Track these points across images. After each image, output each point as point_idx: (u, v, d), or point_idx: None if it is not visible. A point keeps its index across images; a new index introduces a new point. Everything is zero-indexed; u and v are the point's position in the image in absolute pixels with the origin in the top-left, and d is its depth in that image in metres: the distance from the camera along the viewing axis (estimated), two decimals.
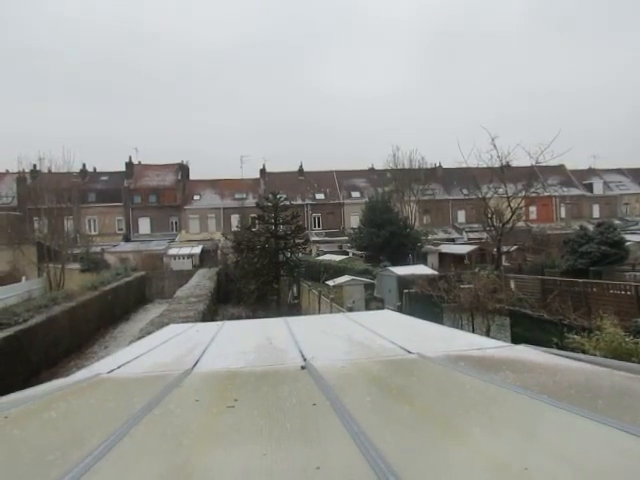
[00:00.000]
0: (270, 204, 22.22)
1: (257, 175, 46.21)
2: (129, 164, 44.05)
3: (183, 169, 45.41)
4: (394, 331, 3.26)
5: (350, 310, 12.05)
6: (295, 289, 23.56)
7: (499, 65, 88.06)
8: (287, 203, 22.99)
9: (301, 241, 22.70)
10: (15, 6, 78.80)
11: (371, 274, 21.08)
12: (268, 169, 46.19)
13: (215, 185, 44.87)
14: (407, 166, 40.00)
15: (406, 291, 15.79)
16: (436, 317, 12.22)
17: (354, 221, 39.53)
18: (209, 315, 16.51)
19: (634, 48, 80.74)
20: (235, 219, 37.56)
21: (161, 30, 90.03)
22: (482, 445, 1.29)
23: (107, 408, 1.76)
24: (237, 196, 43.41)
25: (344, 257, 29.08)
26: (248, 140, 75.93)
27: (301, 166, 47.02)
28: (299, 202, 41.91)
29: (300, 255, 24.02)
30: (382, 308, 14.20)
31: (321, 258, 29.83)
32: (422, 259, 29.30)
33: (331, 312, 13.33)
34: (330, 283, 19.18)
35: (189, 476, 1.20)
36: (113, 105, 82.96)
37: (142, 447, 1.36)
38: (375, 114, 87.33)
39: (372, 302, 18.04)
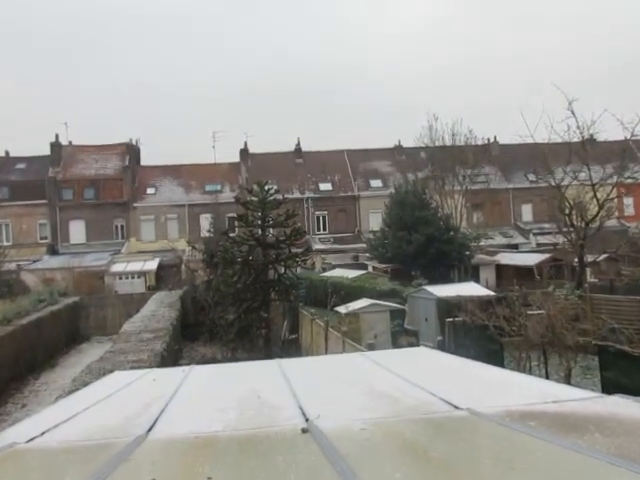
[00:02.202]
0: (255, 199, 22.31)
1: (236, 158, 46.53)
2: (56, 145, 44.52)
3: (132, 151, 45.84)
4: (434, 377, 3.25)
5: (371, 348, 12.04)
6: (292, 319, 23.53)
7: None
8: (279, 197, 23.06)
9: (300, 251, 22.73)
10: None
11: (400, 297, 21.03)
12: (252, 149, 46.57)
13: (177, 173, 45.21)
14: (449, 142, 40.07)
15: (450, 320, 15.78)
16: (493, 356, 12.17)
17: (374, 221, 39.62)
18: (170, 358, 16.53)
19: None
20: (206, 220, 37.75)
21: None
22: None
23: None
24: (208, 188, 43.67)
25: (361, 273, 29.08)
26: (223, 111, 76.59)
27: (298, 144, 47.29)
28: (296, 195, 42.10)
29: (299, 270, 23.99)
30: (416, 345, 14.15)
31: (328, 274, 29.82)
32: (472, 274, 29.22)
33: (344, 351, 13.32)
34: (342, 310, 19.18)
35: None
36: (32, 67, 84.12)
37: None
38: (403, 80, 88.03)
39: (401, 336, 18.02)
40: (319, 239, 41.80)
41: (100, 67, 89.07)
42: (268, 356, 17.28)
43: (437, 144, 40.24)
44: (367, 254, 34.99)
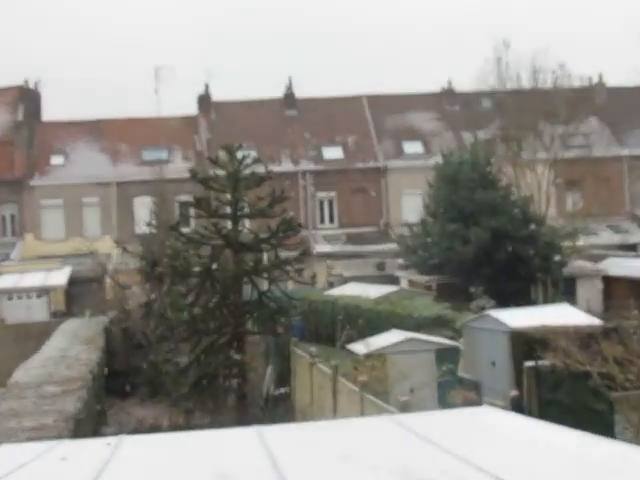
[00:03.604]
0: (222, 172, 22.35)
1: (193, 109, 46.64)
2: None
3: (29, 99, 45.99)
4: (504, 454, 3.25)
5: (406, 409, 12.06)
6: (280, 363, 23.58)
7: None
8: (260, 170, 23.12)
9: (293, 255, 22.77)
10: None
11: (451, 327, 21.03)
12: (217, 95, 46.91)
13: (100, 132, 45.39)
14: (528, 84, 39.94)
15: (530, 364, 15.77)
16: (599, 421, 12.18)
17: (411, 208, 39.63)
18: (89, 424, 16.61)
19: None
20: (144, 207, 37.78)
21: None
22: None
23: None
24: (148, 156, 43.84)
25: (390, 290, 29.12)
26: (177, 43, 76.47)
27: (290, 88, 47.29)
28: (287, 167, 42.28)
29: (291, 286, 24.04)
30: (478, 403, 14.16)
31: (338, 292, 29.85)
32: (566, 291, 29.22)
33: (362, 414, 13.35)
34: (359, 349, 19.20)
35: None
36: None
37: None
38: None
39: (452, 390, 18.01)
40: (323, 237, 41.86)
41: None
42: (243, 422, 17.30)
43: (509, 86, 40.12)
44: (399, 260, 35.03)
